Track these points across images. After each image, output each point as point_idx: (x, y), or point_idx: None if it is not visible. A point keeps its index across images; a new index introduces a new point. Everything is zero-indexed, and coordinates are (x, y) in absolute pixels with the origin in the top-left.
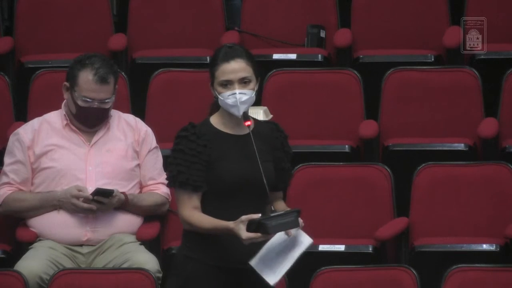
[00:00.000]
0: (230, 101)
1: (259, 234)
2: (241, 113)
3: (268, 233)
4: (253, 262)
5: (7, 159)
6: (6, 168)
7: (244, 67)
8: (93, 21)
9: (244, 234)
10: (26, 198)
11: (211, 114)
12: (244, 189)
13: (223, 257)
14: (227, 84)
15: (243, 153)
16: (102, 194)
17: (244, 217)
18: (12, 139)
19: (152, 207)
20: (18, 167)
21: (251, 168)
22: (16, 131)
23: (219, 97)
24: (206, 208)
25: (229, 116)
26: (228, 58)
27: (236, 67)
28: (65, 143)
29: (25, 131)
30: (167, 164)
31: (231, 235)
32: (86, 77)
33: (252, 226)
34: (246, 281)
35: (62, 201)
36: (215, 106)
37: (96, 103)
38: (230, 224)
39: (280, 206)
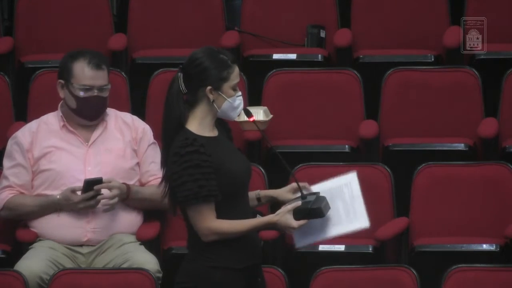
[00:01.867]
0: (236, 103)
1: (306, 221)
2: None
3: (321, 216)
4: (336, 231)
5: (7, 163)
6: (6, 172)
7: None
8: (93, 21)
9: (295, 223)
10: (27, 203)
11: (182, 123)
12: (246, 186)
13: (245, 258)
14: (236, 86)
15: (232, 151)
16: (92, 184)
17: (289, 207)
18: (10, 142)
19: (154, 201)
20: (19, 170)
21: (246, 164)
22: (14, 134)
23: (229, 100)
24: (218, 214)
25: (210, 120)
26: (236, 59)
27: None
28: (63, 145)
29: (23, 134)
30: (179, 184)
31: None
32: (81, 66)
33: (301, 213)
34: (258, 275)
35: (62, 205)
36: (185, 114)
37: (95, 91)
38: (273, 217)
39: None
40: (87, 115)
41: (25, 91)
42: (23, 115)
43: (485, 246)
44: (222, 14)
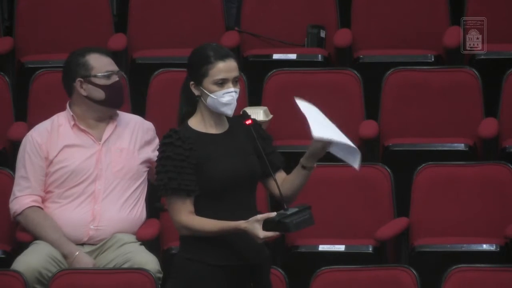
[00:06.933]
0: (225, 99)
1: (277, 233)
2: (232, 111)
3: (288, 231)
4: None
5: (23, 163)
6: (23, 172)
7: (236, 66)
8: (93, 21)
9: (262, 233)
10: (45, 228)
11: (184, 117)
12: (235, 186)
13: (226, 256)
14: (222, 83)
15: (228, 150)
16: None
17: (259, 216)
18: (27, 142)
19: None
20: (37, 170)
21: (239, 164)
22: (29, 134)
23: (211, 95)
24: (199, 211)
25: (209, 115)
26: (223, 56)
27: (232, 66)
28: (75, 143)
29: (40, 134)
30: (156, 174)
31: (240, 234)
32: (95, 57)
33: (269, 225)
34: (249, 279)
35: (71, 257)
36: (188, 109)
37: (116, 76)
38: (242, 224)
39: (293, 177)
40: (116, 102)
41: (25, 91)
42: (23, 115)
43: (485, 246)
44: (222, 14)
